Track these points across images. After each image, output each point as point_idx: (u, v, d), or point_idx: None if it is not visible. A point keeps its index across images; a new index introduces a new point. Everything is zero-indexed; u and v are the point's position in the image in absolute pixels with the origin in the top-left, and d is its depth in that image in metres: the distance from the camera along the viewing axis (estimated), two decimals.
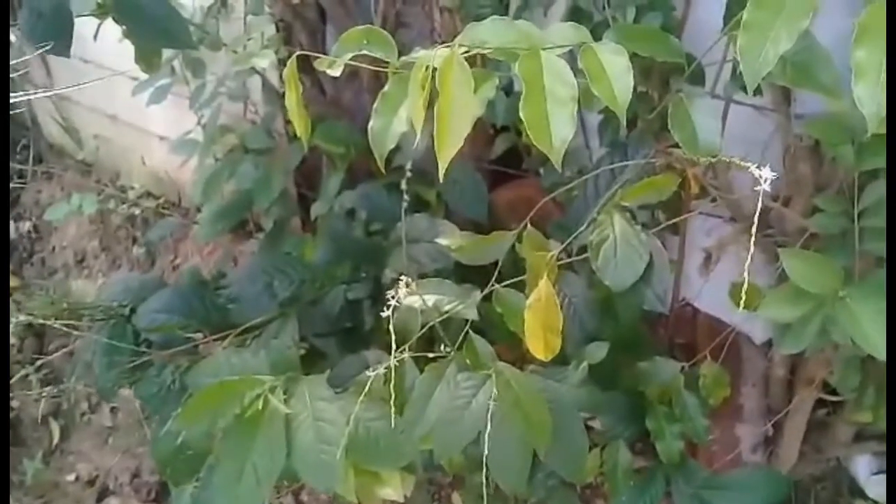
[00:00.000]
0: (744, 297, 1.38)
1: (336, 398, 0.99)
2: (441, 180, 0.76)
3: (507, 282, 1.16)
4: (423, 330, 1.15)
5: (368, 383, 0.91)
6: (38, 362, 2.31)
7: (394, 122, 0.84)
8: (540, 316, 0.94)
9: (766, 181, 0.66)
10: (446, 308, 1.15)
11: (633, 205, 1.04)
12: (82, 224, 2.53)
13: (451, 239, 1.15)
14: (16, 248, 2.67)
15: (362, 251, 1.42)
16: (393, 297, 0.84)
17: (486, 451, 0.93)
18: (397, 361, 1.09)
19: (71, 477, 2.20)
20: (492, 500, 1.59)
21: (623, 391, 1.43)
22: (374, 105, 0.85)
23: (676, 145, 1.28)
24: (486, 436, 0.93)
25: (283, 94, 1.94)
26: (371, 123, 0.85)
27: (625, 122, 0.72)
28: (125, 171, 2.48)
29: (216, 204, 1.84)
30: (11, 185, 2.69)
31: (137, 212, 2.39)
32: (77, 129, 2.53)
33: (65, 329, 1.34)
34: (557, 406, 1.07)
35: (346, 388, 1.15)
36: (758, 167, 0.68)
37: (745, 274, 0.82)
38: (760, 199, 0.67)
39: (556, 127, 0.69)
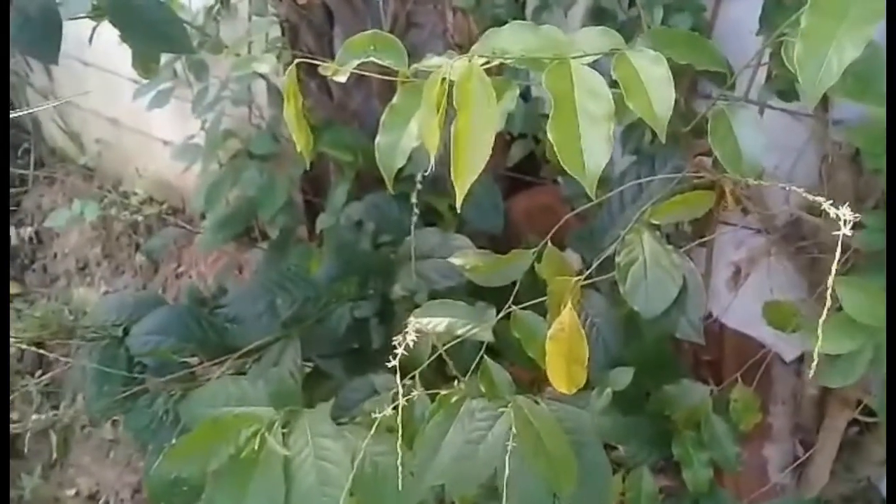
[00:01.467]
0: (776, 317, 1.31)
1: (340, 435, 0.90)
2: (459, 206, 0.67)
3: (526, 304, 1.07)
4: (434, 356, 1.07)
5: (377, 422, 0.83)
6: (39, 374, 2.25)
7: (403, 138, 0.76)
8: (563, 347, 0.86)
9: (847, 224, 0.58)
10: (459, 332, 1.07)
11: (664, 222, 0.95)
12: (84, 230, 2.47)
13: (464, 258, 1.07)
14: (17, 254, 2.61)
15: (370, 266, 1.34)
16: (400, 345, 0.75)
17: (504, 497, 0.84)
18: (406, 390, 1.01)
19: (71, 492, 2.14)
20: None
21: (648, 416, 1.34)
22: (382, 118, 0.77)
23: (707, 153, 1.21)
24: (505, 480, 0.84)
25: None
26: (378, 139, 0.77)
27: (664, 138, 0.64)
28: (128, 176, 2.41)
29: (220, 212, 1.77)
30: (13, 190, 2.63)
31: (140, 218, 2.32)
32: (78, 133, 2.46)
33: (64, 341, 1.27)
34: (579, 437, 0.99)
35: (352, 417, 1.08)
36: (833, 205, 0.59)
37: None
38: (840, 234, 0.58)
39: (589, 149, 0.61)
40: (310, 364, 1.35)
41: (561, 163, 0.62)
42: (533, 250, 1.03)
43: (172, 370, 1.13)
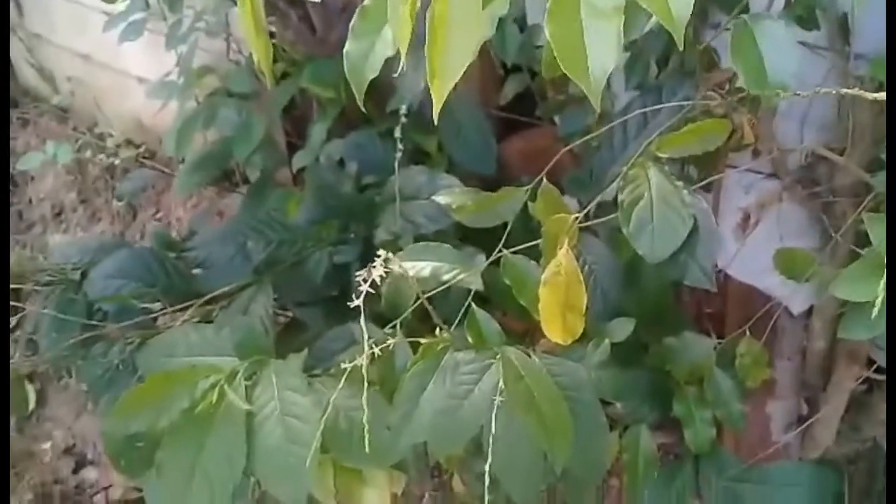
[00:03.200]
0: (788, 264, 1.21)
1: (310, 389, 0.81)
2: (436, 120, 0.58)
3: (518, 247, 0.98)
4: (417, 303, 0.97)
5: (346, 372, 0.74)
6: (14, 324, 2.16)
7: (376, 46, 0.66)
8: (558, 293, 0.77)
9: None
10: (445, 277, 0.98)
11: (672, 155, 0.85)
12: (59, 175, 2.36)
13: (451, 197, 0.97)
14: None
15: (351, 208, 1.24)
16: (364, 281, 0.66)
17: (489, 459, 0.76)
18: (388, 339, 0.92)
19: (46, 445, 2.07)
20: (492, 487, 1.44)
21: (647, 371, 1.26)
22: (352, 23, 0.66)
23: (720, 87, 1.10)
24: (490, 439, 0.76)
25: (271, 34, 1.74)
26: (347, 47, 0.67)
27: (682, 43, 0.53)
28: (102, 116, 2.29)
29: (196, 154, 1.66)
30: None
31: (117, 161, 2.21)
32: (50, 71, 2.33)
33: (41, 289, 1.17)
34: (575, 393, 0.90)
35: (327, 369, 0.99)
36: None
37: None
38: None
39: (594, 48, 0.50)
40: (286, 314, 1.27)
41: (560, 65, 0.51)
42: (526, 188, 0.93)
43: (133, 317, 1.04)
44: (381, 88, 1.56)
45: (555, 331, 0.81)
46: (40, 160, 2.18)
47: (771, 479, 1.16)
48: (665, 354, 1.22)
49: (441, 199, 0.98)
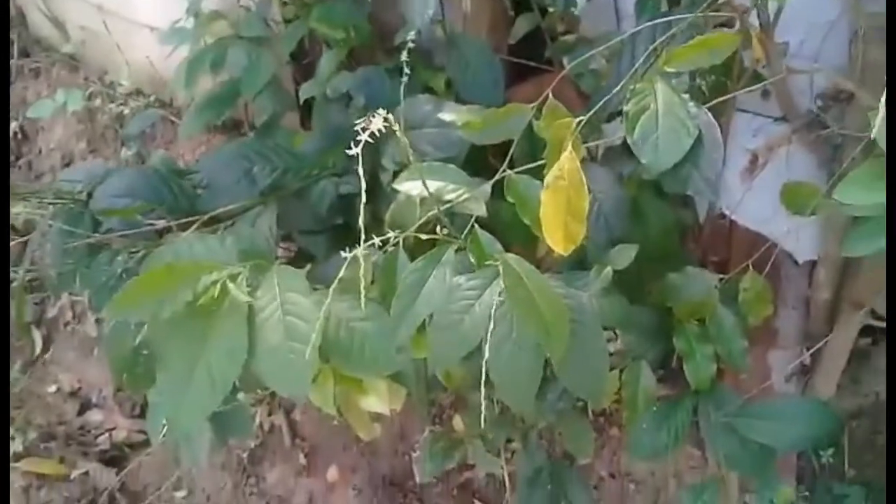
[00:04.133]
0: (794, 199, 1.21)
1: (312, 292, 0.82)
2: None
3: (522, 167, 0.98)
4: (422, 220, 0.98)
5: (342, 267, 0.75)
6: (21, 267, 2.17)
7: None
8: (561, 197, 0.77)
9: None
10: (449, 196, 0.98)
11: (680, 69, 0.85)
12: (69, 124, 2.36)
13: (457, 114, 0.97)
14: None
15: (353, 139, 1.24)
16: (364, 130, 0.66)
17: (489, 357, 0.77)
18: (389, 249, 0.93)
19: (52, 388, 2.09)
20: (495, 424, 1.45)
21: (648, 307, 1.26)
22: None
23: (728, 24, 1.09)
24: (489, 337, 0.76)
25: None
26: None
27: None
28: (113, 66, 2.29)
29: (203, 95, 1.66)
30: None
31: (126, 111, 2.22)
32: (63, 20, 2.33)
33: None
34: (576, 317, 0.91)
35: (328, 285, 0.99)
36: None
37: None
38: None
39: None
40: (290, 245, 1.27)
41: None
42: (532, 104, 0.93)
43: (137, 230, 1.04)
44: (388, 28, 1.56)
45: (556, 238, 0.81)
46: (51, 108, 2.19)
47: (770, 415, 1.16)
48: (667, 290, 1.21)
49: (447, 116, 0.98)
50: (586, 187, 0.76)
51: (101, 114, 2.25)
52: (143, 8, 2.11)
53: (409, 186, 1.00)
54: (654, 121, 0.82)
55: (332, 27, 1.51)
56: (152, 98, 2.23)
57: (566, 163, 0.76)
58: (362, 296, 0.78)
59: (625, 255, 1.06)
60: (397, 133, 0.70)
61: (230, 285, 0.77)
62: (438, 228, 0.89)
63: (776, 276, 1.52)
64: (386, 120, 0.67)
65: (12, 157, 2.51)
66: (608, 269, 1.05)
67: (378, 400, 0.91)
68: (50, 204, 1.14)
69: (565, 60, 1.47)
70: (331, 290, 0.81)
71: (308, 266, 0.97)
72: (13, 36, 2.49)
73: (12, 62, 2.47)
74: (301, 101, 1.67)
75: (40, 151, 2.46)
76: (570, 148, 0.76)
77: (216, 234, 1.05)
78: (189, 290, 0.76)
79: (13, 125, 2.49)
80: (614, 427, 1.75)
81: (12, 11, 2.48)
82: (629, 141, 0.82)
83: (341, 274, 0.85)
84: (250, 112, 1.95)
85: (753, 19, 1.14)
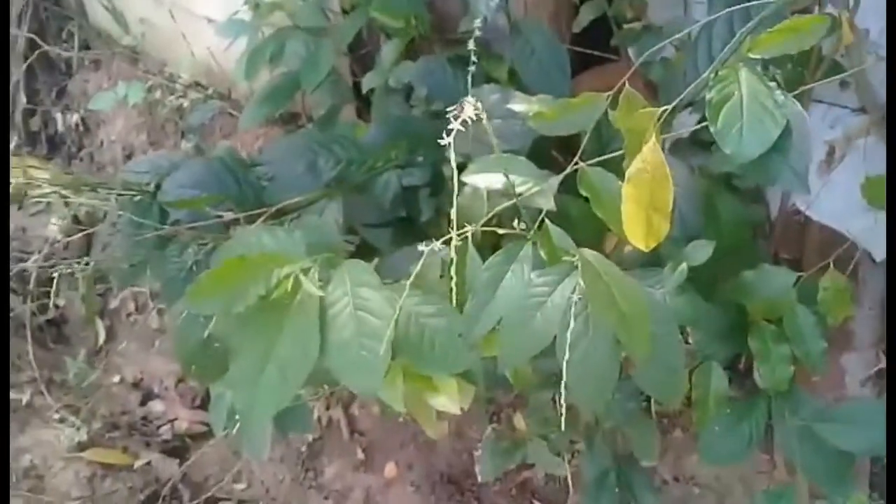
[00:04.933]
0: (878, 193, 1.15)
1: (383, 287, 0.80)
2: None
3: (594, 160, 0.95)
4: (490, 216, 0.95)
5: (419, 264, 0.73)
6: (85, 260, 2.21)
7: None
8: (644, 190, 0.73)
9: None
10: (519, 190, 0.95)
11: (766, 55, 0.81)
12: (130, 116, 2.40)
13: (527, 104, 0.94)
14: (63, 141, 2.57)
15: (420, 131, 1.22)
16: (455, 118, 0.64)
17: (566, 356, 0.74)
18: (458, 245, 0.91)
19: (115, 379, 2.12)
20: (558, 424, 1.42)
21: (721, 305, 1.22)
22: None
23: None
24: (568, 336, 0.74)
25: None
26: None
27: None
28: (173, 58, 2.31)
29: (263, 87, 1.66)
30: (58, 75, 2.57)
31: (186, 103, 2.23)
32: (122, 12, 2.36)
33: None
34: (653, 314, 0.87)
35: (396, 281, 0.98)
36: None
37: None
38: None
39: None
40: (354, 238, 1.26)
41: None
42: (607, 94, 0.90)
43: (206, 223, 1.04)
44: (447, 18, 1.54)
45: (637, 233, 0.77)
46: (112, 101, 2.22)
47: (849, 419, 1.11)
48: (742, 288, 1.17)
49: (516, 106, 0.95)
50: (671, 180, 0.73)
51: (161, 106, 2.27)
52: (203, 0, 2.12)
53: (478, 179, 0.98)
54: (738, 109, 0.78)
55: (392, 16, 1.49)
56: (211, 90, 2.25)
57: (649, 154, 0.72)
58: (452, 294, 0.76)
59: (701, 252, 1.02)
60: (483, 121, 0.67)
61: (303, 279, 0.75)
62: (516, 222, 0.86)
63: (852, 275, 1.45)
64: (475, 108, 0.64)
65: (74, 149, 2.56)
66: (683, 266, 1.01)
67: (449, 399, 0.89)
68: (117, 196, 1.14)
69: (631, 49, 1.43)
70: (406, 284, 0.80)
71: (375, 260, 0.96)
72: (73, 28, 2.53)
73: (73, 54, 2.51)
74: (361, 93, 1.66)
75: (101, 144, 2.50)
76: (653, 139, 0.72)
77: (283, 226, 1.04)
78: (262, 284, 0.74)
79: (74, 117, 2.54)
80: (678, 429, 1.70)
81: (73, 3, 2.52)
82: (712, 130, 0.78)
83: (416, 269, 0.83)
84: (307, 104, 1.95)
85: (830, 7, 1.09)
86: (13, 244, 2.21)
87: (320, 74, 1.54)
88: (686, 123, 1.22)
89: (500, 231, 0.84)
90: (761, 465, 1.64)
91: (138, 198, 1.10)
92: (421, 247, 0.81)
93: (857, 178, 1.25)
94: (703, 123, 0.92)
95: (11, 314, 2.05)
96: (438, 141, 1.27)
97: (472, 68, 1.08)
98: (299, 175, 1.12)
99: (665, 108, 0.77)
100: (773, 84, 0.79)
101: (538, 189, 0.96)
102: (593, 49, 1.52)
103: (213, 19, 2.09)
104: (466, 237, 0.95)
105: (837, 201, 1.34)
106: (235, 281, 0.74)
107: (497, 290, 0.80)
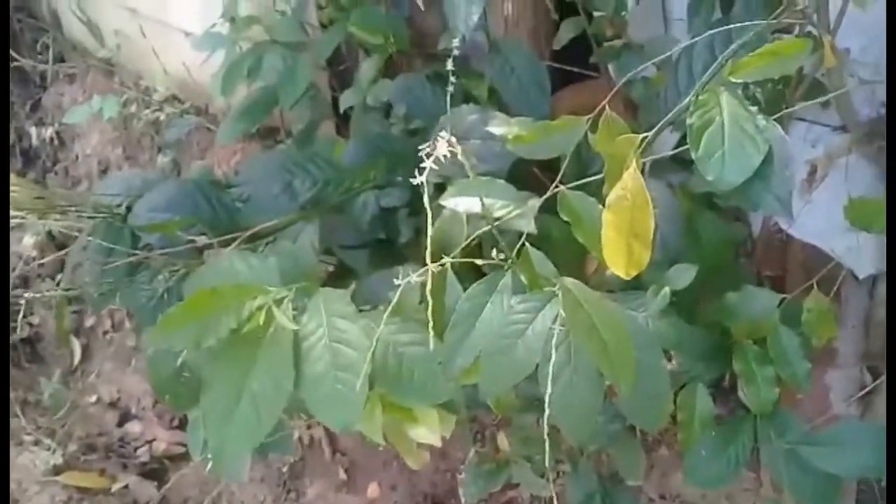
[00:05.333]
0: (860, 215, 1.15)
1: (360, 316, 0.78)
2: None
3: (574, 183, 0.93)
4: (470, 240, 0.93)
5: (397, 294, 0.71)
6: (59, 278, 2.17)
7: None
8: (624, 218, 0.72)
9: None
10: (498, 214, 0.94)
11: (747, 79, 0.79)
12: (105, 131, 2.36)
13: (507, 127, 0.92)
14: (38, 155, 2.52)
15: (399, 151, 1.20)
16: (428, 156, 0.62)
17: (548, 389, 0.72)
18: (436, 272, 0.88)
19: (92, 398, 2.08)
20: (541, 447, 1.40)
21: (704, 327, 1.20)
22: None
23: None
24: (550, 368, 0.72)
25: None
26: None
27: None
28: (148, 71, 2.28)
29: (240, 102, 1.63)
30: (33, 88, 2.53)
31: (162, 117, 2.20)
32: (97, 24, 2.33)
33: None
34: (636, 340, 0.86)
35: (374, 307, 0.95)
36: None
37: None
38: None
39: None
40: (331, 260, 1.23)
41: None
42: (587, 117, 0.88)
43: (177, 248, 1.01)
44: (427, 33, 1.52)
45: (618, 262, 0.76)
46: (87, 114, 2.19)
47: (835, 441, 1.10)
48: (724, 310, 1.16)
49: (496, 129, 0.93)
50: (652, 207, 0.71)
51: (137, 120, 2.24)
52: (179, 12, 2.09)
53: (457, 202, 0.96)
54: (720, 135, 0.76)
55: (370, 32, 1.47)
56: (188, 104, 2.22)
57: (630, 181, 0.71)
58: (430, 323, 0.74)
59: (683, 276, 1.01)
60: (458, 154, 0.65)
61: (276, 311, 0.73)
62: (494, 252, 0.84)
63: (836, 292, 1.45)
64: (450, 144, 0.62)
65: (49, 164, 2.52)
66: (666, 290, 1.00)
67: (429, 429, 0.86)
68: (88, 218, 1.11)
69: (611, 67, 1.42)
70: (384, 312, 0.77)
71: (352, 285, 0.94)
72: (48, 40, 2.49)
73: (47, 67, 2.47)
74: (340, 108, 1.64)
75: (76, 158, 2.46)
76: (633, 165, 0.71)
77: (257, 250, 1.02)
78: (233, 317, 0.72)
79: (49, 131, 2.50)
80: (663, 447, 1.69)
81: (47, 15, 2.48)
82: (693, 156, 0.77)
83: (394, 299, 0.81)
84: (286, 118, 1.92)
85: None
86: None
87: (298, 89, 1.51)
88: (667, 140, 1.21)
89: (480, 262, 0.82)
90: (747, 482, 1.63)
91: (108, 220, 1.07)
92: (397, 278, 0.79)
93: (840, 197, 1.25)
94: (685, 144, 0.92)
95: None
96: (417, 160, 1.26)
97: (450, 88, 1.06)
98: (275, 196, 1.09)
99: (646, 134, 0.75)
100: (754, 109, 0.77)
101: (518, 212, 0.94)
102: (573, 66, 1.51)
103: (189, 32, 2.06)
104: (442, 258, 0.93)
105: (820, 220, 1.34)
106: (206, 314, 0.71)
107: (477, 322, 0.77)
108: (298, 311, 0.78)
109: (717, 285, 1.19)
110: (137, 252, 1.01)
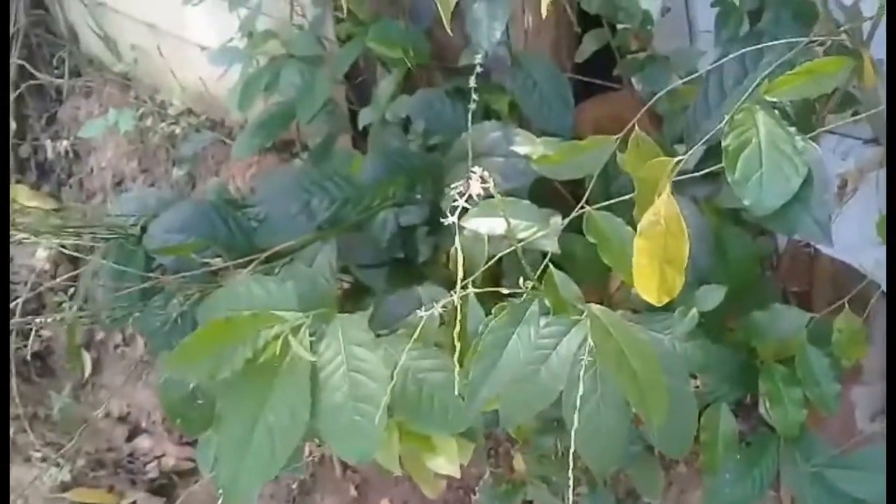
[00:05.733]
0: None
1: (378, 344, 0.76)
2: None
3: (600, 204, 0.91)
4: (492, 261, 0.91)
5: (420, 324, 0.68)
6: (72, 291, 2.15)
7: None
8: (658, 244, 0.69)
9: None
10: (521, 235, 0.91)
11: (783, 98, 0.77)
12: (121, 144, 2.35)
13: (532, 146, 0.90)
14: (53, 169, 2.51)
15: (418, 167, 1.18)
16: (461, 195, 0.60)
17: (574, 420, 0.69)
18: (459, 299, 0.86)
19: (101, 413, 2.06)
20: (561, 467, 1.37)
21: (730, 346, 1.17)
22: None
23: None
24: (577, 397, 0.69)
25: None
26: None
27: None
28: (165, 85, 2.27)
29: (256, 116, 1.62)
30: (49, 102, 2.52)
31: (178, 130, 2.19)
32: (114, 39, 2.32)
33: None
34: (664, 365, 0.83)
35: (393, 331, 0.93)
36: None
37: None
38: None
39: None
40: (348, 278, 1.21)
41: None
42: (616, 136, 0.85)
43: (192, 270, 0.99)
44: (447, 47, 1.50)
45: (649, 288, 0.73)
46: (102, 128, 2.18)
47: (863, 465, 1.07)
48: (751, 329, 1.13)
49: (520, 148, 0.91)
50: (686, 234, 0.69)
51: (153, 133, 2.23)
52: (196, 27, 2.07)
53: (479, 224, 0.93)
54: (757, 157, 0.74)
55: (389, 47, 1.45)
56: (203, 118, 2.20)
57: (663, 207, 0.68)
58: (452, 353, 0.71)
59: (713, 297, 0.98)
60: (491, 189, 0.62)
61: (292, 341, 0.70)
62: (521, 280, 0.81)
63: (863, 308, 1.41)
64: (483, 180, 0.59)
65: (63, 177, 2.51)
66: (694, 312, 0.96)
67: (447, 460, 0.84)
68: (102, 240, 1.09)
69: (634, 79, 1.39)
70: (403, 341, 0.75)
71: (370, 309, 0.92)
72: (64, 55, 2.49)
73: (63, 81, 2.46)
74: (357, 122, 1.62)
75: (91, 171, 2.44)
76: (667, 190, 0.68)
77: (274, 272, 1.00)
78: (249, 347, 0.70)
79: (64, 144, 2.49)
80: (681, 464, 1.65)
81: (65, 31, 2.48)
82: (730, 179, 0.74)
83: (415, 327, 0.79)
84: (302, 131, 1.90)
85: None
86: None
87: (316, 104, 1.49)
88: (693, 155, 1.18)
89: (514, 290, 0.79)
90: (768, 500, 1.59)
91: (122, 241, 1.05)
92: (419, 301, 0.77)
93: (870, 211, 1.21)
94: (710, 158, 0.89)
95: None
96: (436, 177, 1.24)
97: (472, 106, 1.04)
98: (293, 216, 1.07)
99: (680, 157, 0.72)
100: (792, 129, 0.74)
101: (542, 233, 0.92)
102: (594, 77, 1.48)
103: (206, 47, 2.05)
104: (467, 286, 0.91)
105: (849, 234, 1.30)
106: (221, 344, 0.69)
107: (503, 354, 0.75)
108: (316, 337, 0.76)
109: (744, 303, 1.16)
110: (151, 275, 0.98)
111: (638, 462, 1.33)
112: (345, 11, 1.63)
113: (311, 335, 0.76)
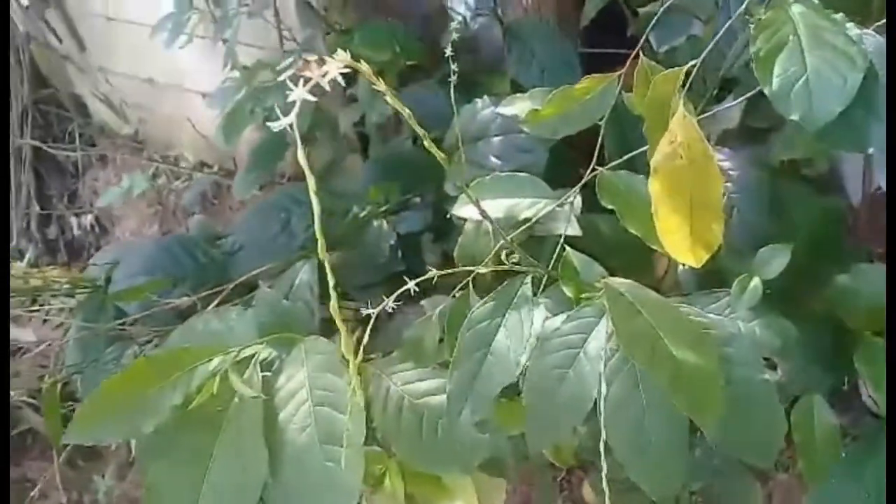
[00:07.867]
0: None
1: (351, 369, 0.60)
2: None
3: (614, 162, 0.74)
4: (497, 247, 0.74)
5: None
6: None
7: None
8: (680, 180, 0.52)
9: None
10: (525, 214, 0.75)
11: None
12: (141, 209, 2.28)
13: (518, 103, 0.74)
14: (81, 245, 2.46)
15: (413, 168, 1.03)
16: None
17: (603, 441, 0.52)
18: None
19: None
20: (630, 490, 1.18)
21: (812, 322, 0.97)
22: None
23: None
24: (601, 405, 0.52)
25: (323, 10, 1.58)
26: None
27: None
28: (174, 140, 2.20)
29: (249, 152, 1.50)
30: (69, 178, 2.48)
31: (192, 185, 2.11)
32: (120, 103, 2.27)
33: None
34: (727, 352, 0.65)
35: (389, 351, 0.77)
36: None
37: None
38: None
39: None
40: (350, 304, 1.06)
41: None
42: (618, 72, 0.69)
43: (154, 313, 0.86)
44: (436, 41, 1.36)
45: (680, 245, 0.55)
46: (118, 195, 2.12)
47: None
48: (835, 297, 0.93)
49: (505, 109, 0.75)
50: (715, 162, 0.51)
51: (169, 192, 2.15)
52: (194, 76, 2.00)
53: (472, 211, 0.77)
54: (798, 57, 0.56)
55: (376, 49, 1.32)
56: (216, 168, 2.12)
57: (679, 130, 0.51)
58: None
59: (776, 260, 0.79)
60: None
61: (232, 377, 0.55)
62: (504, 256, 0.65)
63: None
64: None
65: (93, 251, 2.45)
66: (756, 281, 0.78)
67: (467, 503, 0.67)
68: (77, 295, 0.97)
69: (652, 37, 1.22)
70: (395, 361, 0.59)
71: (356, 334, 0.76)
72: (74, 128, 2.45)
73: (78, 154, 2.42)
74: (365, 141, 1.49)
75: (118, 241, 2.38)
76: (681, 107, 0.51)
77: (252, 303, 0.85)
78: (178, 391, 0.55)
79: (88, 219, 2.44)
80: (780, 471, 1.43)
81: (72, 103, 2.44)
82: (767, 92, 0.56)
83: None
84: (312, 160, 1.79)
85: None
86: (33, 358, 2.08)
87: (307, 120, 1.37)
88: (734, 111, 1.00)
89: (498, 268, 0.63)
90: None
91: (91, 295, 0.93)
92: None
93: None
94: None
95: (35, 434, 1.91)
96: (436, 176, 1.08)
97: (453, 78, 0.89)
98: (272, 238, 0.93)
99: (693, 62, 0.55)
100: (838, 16, 0.57)
101: (550, 209, 0.75)
102: (607, 46, 1.32)
103: (206, 93, 1.97)
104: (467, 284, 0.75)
105: None
106: (140, 393, 0.54)
107: (489, 352, 0.58)
108: (275, 373, 0.61)
109: (820, 270, 0.96)
110: (119, 328, 0.85)
111: (722, 476, 1.13)
112: (332, 25, 1.53)
113: (268, 367, 0.61)
